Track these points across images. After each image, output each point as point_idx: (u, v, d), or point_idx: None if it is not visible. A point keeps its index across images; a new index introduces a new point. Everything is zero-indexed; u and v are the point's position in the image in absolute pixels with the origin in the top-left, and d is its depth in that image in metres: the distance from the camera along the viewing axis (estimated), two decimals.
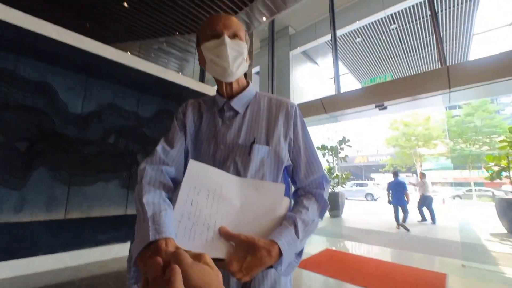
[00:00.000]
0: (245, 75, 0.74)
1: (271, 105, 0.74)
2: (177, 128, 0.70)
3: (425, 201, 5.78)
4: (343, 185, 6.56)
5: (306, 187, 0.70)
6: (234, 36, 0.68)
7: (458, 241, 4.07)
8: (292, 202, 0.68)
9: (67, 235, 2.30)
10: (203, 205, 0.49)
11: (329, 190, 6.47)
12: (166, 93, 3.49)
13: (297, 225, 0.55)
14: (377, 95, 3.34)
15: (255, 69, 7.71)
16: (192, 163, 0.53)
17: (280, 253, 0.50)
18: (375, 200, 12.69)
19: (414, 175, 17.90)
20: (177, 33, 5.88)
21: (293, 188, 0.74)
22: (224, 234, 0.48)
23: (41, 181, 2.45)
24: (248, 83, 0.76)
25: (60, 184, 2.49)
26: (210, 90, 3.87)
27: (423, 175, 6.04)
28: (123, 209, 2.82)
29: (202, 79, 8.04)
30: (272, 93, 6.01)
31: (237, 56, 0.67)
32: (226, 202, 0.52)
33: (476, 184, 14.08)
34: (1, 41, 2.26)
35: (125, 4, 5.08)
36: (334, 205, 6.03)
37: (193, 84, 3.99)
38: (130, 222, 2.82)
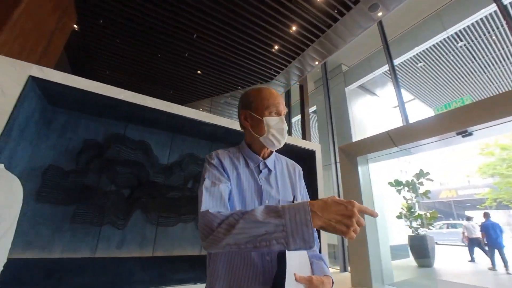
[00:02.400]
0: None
1: (288, 166, 0.88)
2: (223, 186, 0.70)
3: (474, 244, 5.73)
4: (430, 226, 5.37)
5: None
6: (284, 115, 0.83)
7: None
8: None
9: (154, 272, 2.51)
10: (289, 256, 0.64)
11: (412, 233, 5.46)
12: (233, 140, 3.81)
13: (324, 260, 0.78)
14: (457, 121, 2.85)
15: (312, 108, 7.78)
16: None
17: (332, 280, 0.69)
18: None
19: None
20: (239, 87, 6.65)
21: None
22: (300, 279, 0.61)
23: (137, 222, 2.84)
24: None
25: (150, 225, 2.83)
26: None
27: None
28: (198, 249, 2.97)
29: None
30: (332, 130, 5.85)
31: (286, 133, 0.81)
32: (292, 253, 0.65)
33: None
34: (118, 113, 2.97)
35: (199, 72, 6.13)
36: (421, 251, 4.91)
37: None
38: (204, 263, 2.92)
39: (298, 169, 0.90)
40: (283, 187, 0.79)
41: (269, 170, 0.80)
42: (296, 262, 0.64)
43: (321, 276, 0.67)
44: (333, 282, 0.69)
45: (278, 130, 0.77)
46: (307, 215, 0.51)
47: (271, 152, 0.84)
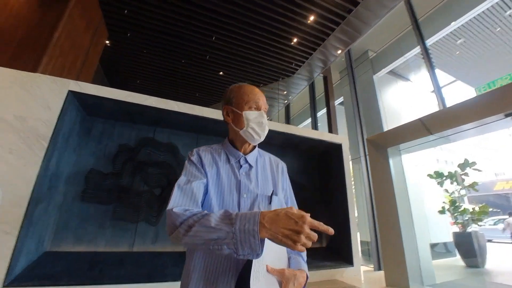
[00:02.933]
0: None
1: (271, 163, 0.89)
2: (196, 183, 0.72)
3: None
4: (479, 222, 4.80)
5: None
6: (265, 111, 0.86)
7: None
8: None
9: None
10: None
11: (458, 230, 4.99)
12: None
13: (302, 255, 0.79)
14: (505, 101, 2.52)
15: (339, 100, 7.48)
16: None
17: (307, 275, 0.72)
18: None
19: None
20: (261, 84, 6.67)
21: None
22: (272, 271, 0.63)
23: None
24: None
25: None
26: (295, 130, 3.96)
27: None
28: None
29: (287, 121, 8.47)
30: (360, 121, 5.56)
31: (267, 127, 0.83)
32: (269, 246, 0.63)
33: None
34: (146, 119, 3.20)
35: (221, 73, 6.29)
36: (469, 250, 4.41)
37: (278, 127, 4.22)
38: None
39: (282, 165, 0.92)
40: (263, 182, 0.81)
41: (250, 166, 0.82)
42: (271, 255, 0.65)
43: (295, 269, 0.69)
44: (307, 277, 0.71)
45: (258, 124, 0.80)
46: (255, 226, 0.53)
47: (254, 147, 0.87)
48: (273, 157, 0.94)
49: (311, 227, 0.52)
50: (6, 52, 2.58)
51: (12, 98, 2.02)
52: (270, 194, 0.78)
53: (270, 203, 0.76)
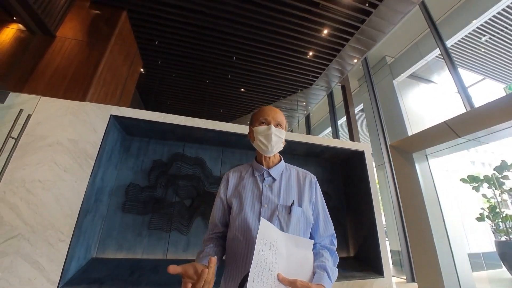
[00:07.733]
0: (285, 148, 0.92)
1: (299, 176, 0.91)
2: (218, 203, 0.93)
3: None
4: None
5: (322, 242, 0.82)
6: (277, 125, 0.89)
7: None
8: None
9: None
10: (268, 254, 0.62)
11: (503, 239, 4.44)
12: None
13: (328, 272, 0.70)
14: None
15: (359, 107, 7.25)
16: (263, 222, 0.68)
17: None
18: None
19: None
20: (281, 98, 6.73)
21: None
22: (283, 280, 0.61)
23: (198, 228, 3.12)
24: (280, 158, 0.95)
25: None
26: (315, 139, 3.91)
27: None
28: None
29: (308, 131, 8.36)
30: (382, 127, 5.31)
31: (277, 141, 0.86)
32: (279, 253, 0.64)
33: None
34: (176, 136, 3.39)
35: (242, 89, 6.48)
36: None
37: (299, 137, 4.19)
38: None
39: (309, 178, 0.92)
40: (286, 193, 0.84)
41: (273, 179, 0.87)
42: (289, 264, 0.64)
43: (313, 283, 0.64)
44: None
45: (265, 136, 0.85)
46: None
47: (278, 162, 0.92)
48: (301, 171, 0.95)
49: None
50: (62, 86, 2.97)
51: (66, 124, 2.27)
52: (289, 205, 0.80)
53: (290, 213, 0.78)
